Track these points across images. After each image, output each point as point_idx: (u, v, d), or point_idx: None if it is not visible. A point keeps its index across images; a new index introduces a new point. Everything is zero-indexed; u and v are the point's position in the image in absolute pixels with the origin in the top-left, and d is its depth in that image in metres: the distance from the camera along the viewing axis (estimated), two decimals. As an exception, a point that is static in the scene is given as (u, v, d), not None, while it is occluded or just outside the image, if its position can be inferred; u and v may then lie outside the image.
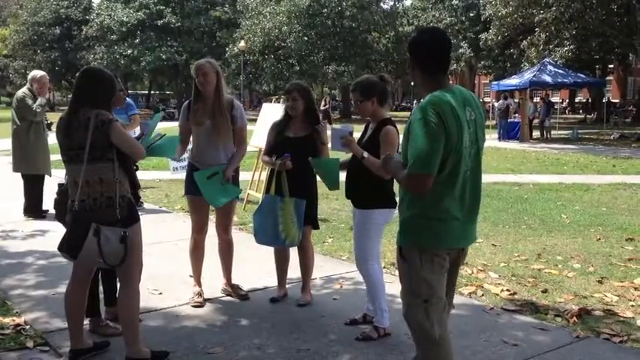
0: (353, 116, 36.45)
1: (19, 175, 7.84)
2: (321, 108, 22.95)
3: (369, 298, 4.10)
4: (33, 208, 7.66)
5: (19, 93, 7.67)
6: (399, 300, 4.50)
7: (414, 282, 2.75)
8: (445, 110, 2.58)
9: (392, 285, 4.33)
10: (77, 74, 3.55)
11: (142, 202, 8.02)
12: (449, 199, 2.67)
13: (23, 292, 4.81)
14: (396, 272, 5.28)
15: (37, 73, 7.86)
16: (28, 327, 4.03)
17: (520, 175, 12.25)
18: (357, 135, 3.95)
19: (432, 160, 2.55)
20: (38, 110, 7.50)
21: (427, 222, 2.71)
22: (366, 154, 3.72)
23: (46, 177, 7.82)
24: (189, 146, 4.90)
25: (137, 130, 6.43)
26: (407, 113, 40.85)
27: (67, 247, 3.32)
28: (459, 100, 2.66)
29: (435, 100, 2.62)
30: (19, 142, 7.61)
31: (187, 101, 4.60)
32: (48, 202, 6.93)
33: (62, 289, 4.40)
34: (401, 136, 3.79)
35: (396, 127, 3.85)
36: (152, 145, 3.73)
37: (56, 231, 5.88)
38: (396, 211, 4.04)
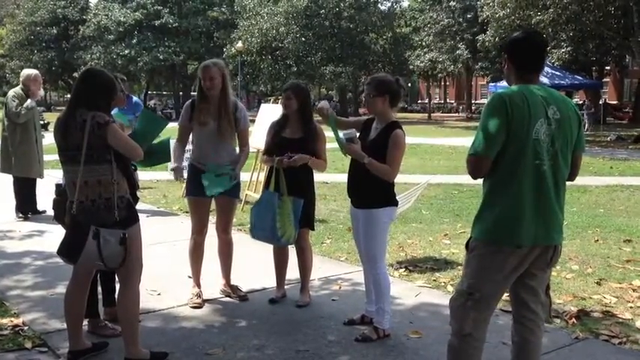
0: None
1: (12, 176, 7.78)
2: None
3: (370, 300, 4.09)
4: (23, 208, 7.63)
5: (10, 93, 7.54)
6: (399, 301, 4.55)
7: (466, 272, 2.80)
8: (513, 99, 2.62)
9: (392, 286, 4.32)
10: (78, 75, 3.53)
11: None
12: (512, 191, 2.65)
13: (21, 292, 4.79)
14: (395, 273, 5.31)
15: (32, 72, 7.65)
16: (26, 328, 4.01)
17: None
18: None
19: (487, 144, 2.62)
20: (23, 112, 7.21)
21: (489, 214, 2.71)
22: (366, 160, 3.71)
23: (41, 177, 7.79)
24: (189, 146, 4.90)
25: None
26: (402, 114, 40.87)
27: (66, 251, 3.30)
28: (538, 95, 2.68)
29: (506, 90, 2.71)
30: (4, 142, 7.52)
31: (190, 101, 4.59)
32: (45, 203, 6.93)
33: (60, 289, 4.40)
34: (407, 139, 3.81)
35: (403, 130, 3.82)
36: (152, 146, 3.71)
37: (53, 231, 5.87)
38: (398, 209, 4.03)
